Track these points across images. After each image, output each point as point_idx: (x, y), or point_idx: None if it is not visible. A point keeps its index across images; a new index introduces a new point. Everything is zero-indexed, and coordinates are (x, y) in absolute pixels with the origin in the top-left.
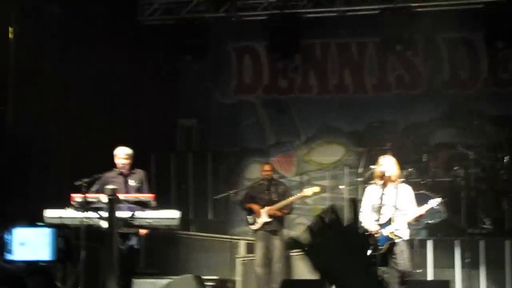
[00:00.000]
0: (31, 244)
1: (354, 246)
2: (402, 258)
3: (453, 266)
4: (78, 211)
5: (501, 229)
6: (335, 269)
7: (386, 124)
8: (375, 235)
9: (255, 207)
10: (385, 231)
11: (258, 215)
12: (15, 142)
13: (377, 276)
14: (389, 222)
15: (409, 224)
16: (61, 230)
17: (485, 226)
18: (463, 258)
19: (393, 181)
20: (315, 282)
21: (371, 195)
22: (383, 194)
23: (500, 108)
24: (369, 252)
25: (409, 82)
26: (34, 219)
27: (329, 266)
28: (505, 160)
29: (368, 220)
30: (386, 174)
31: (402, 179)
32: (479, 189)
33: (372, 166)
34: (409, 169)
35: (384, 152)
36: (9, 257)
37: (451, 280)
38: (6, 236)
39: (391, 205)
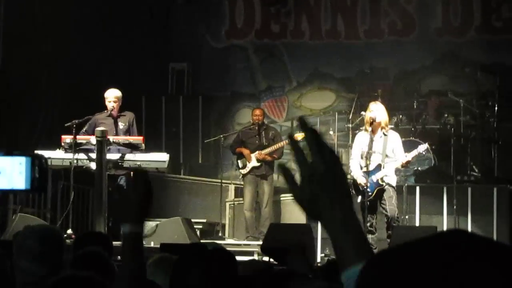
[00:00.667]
0: (6, 173)
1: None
2: (391, 203)
3: (441, 213)
4: (67, 152)
5: (489, 177)
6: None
7: (377, 70)
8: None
9: (245, 151)
10: (374, 177)
11: (248, 159)
12: (6, 83)
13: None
14: (378, 168)
15: (398, 170)
16: (37, 159)
17: (473, 174)
18: (450, 205)
19: (383, 127)
20: (302, 226)
21: (360, 141)
22: (372, 140)
23: (492, 56)
24: (358, 199)
25: (402, 29)
26: (10, 148)
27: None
28: (495, 109)
29: (357, 167)
30: (376, 121)
31: (391, 126)
32: (469, 136)
33: (362, 113)
34: (400, 116)
35: (374, 99)
36: None
37: (439, 226)
38: None
39: (380, 152)
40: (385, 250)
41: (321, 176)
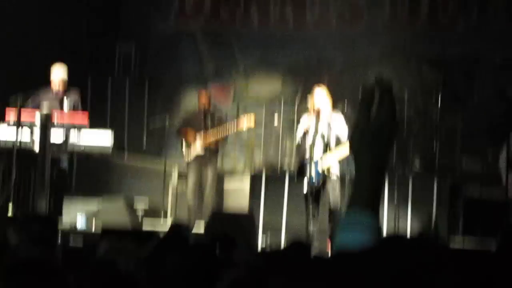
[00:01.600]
0: None
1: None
2: (334, 195)
3: (381, 204)
4: (10, 126)
5: (430, 170)
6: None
7: (324, 60)
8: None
9: (190, 133)
10: (319, 167)
11: (193, 142)
12: None
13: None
14: (323, 155)
15: (342, 161)
16: None
17: (415, 166)
18: (391, 196)
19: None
20: (242, 216)
21: (305, 124)
22: (316, 127)
23: (437, 50)
24: (305, 189)
25: (350, 20)
26: None
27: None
28: (438, 102)
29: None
30: (321, 109)
31: (337, 112)
32: (412, 129)
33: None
34: (345, 106)
35: (318, 84)
36: None
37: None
38: None
39: (325, 139)
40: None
41: (376, 129)
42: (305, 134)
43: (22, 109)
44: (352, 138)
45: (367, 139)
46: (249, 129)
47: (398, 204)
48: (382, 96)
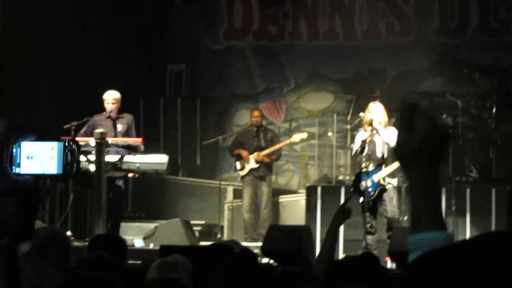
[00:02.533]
0: (38, 157)
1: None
2: (391, 204)
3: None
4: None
5: (487, 177)
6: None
7: (375, 71)
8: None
9: (243, 152)
10: (376, 177)
11: (246, 160)
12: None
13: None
14: (379, 168)
15: (397, 172)
16: (69, 144)
17: (472, 175)
18: (449, 206)
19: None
20: (301, 227)
21: (360, 141)
22: (372, 140)
23: (490, 57)
24: (361, 199)
25: (399, 30)
26: (42, 133)
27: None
28: (493, 110)
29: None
30: (375, 121)
31: (390, 126)
32: (467, 137)
33: (361, 114)
34: (398, 117)
35: (373, 100)
36: (17, 170)
37: None
38: (14, 149)
39: (380, 151)
40: (432, 252)
41: (416, 147)
42: (361, 148)
43: (77, 137)
44: (398, 161)
45: (409, 163)
46: (302, 143)
47: (457, 214)
48: (410, 119)
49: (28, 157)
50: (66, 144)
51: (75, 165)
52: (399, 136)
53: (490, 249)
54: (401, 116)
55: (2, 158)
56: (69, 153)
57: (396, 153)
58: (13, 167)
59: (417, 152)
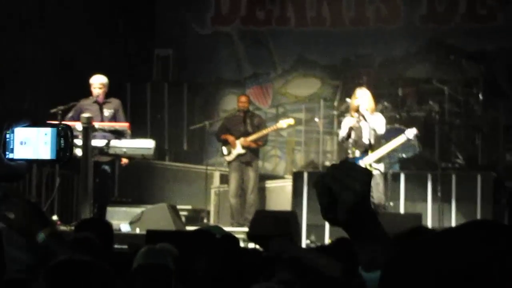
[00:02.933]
0: (32, 143)
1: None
2: (377, 190)
3: (425, 200)
4: None
5: (473, 164)
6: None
7: (362, 57)
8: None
9: (230, 138)
10: (362, 163)
11: (233, 146)
12: None
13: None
14: (365, 153)
15: (383, 158)
16: (63, 130)
17: (458, 161)
18: (435, 192)
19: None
20: (287, 213)
21: (347, 124)
22: (358, 126)
23: (476, 44)
24: None
25: (387, 16)
26: (35, 119)
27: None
28: (480, 96)
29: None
30: (361, 107)
31: (377, 112)
32: (453, 124)
33: (347, 99)
34: (384, 103)
35: (359, 85)
36: (10, 155)
37: (423, 213)
38: (7, 135)
39: (367, 137)
40: (417, 241)
41: (351, 204)
42: (348, 135)
43: (63, 121)
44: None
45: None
46: (289, 129)
47: (442, 200)
48: (330, 191)
49: (21, 143)
50: (60, 129)
51: (68, 150)
52: (321, 208)
53: (470, 240)
54: (320, 191)
55: None
56: (62, 138)
57: (324, 217)
58: (7, 153)
59: (346, 223)
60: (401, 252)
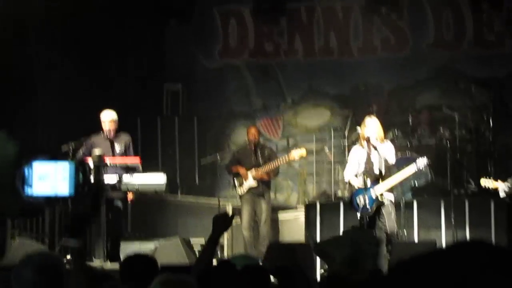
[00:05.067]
0: (51, 178)
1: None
2: (390, 219)
3: (439, 227)
4: None
5: (486, 190)
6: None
7: (371, 86)
8: (363, 198)
9: (241, 170)
10: (373, 193)
11: (244, 178)
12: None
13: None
14: (376, 183)
15: (395, 187)
16: (81, 165)
17: (470, 187)
18: (448, 218)
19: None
20: (301, 245)
21: (356, 155)
22: (368, 156)
23: (485, 70)
24: (358, 215)
25: (395, 45)
26: (54, 154)
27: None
28: (490, 122)
29: (352, 173)
30: (372, 138)
31: (386, 141)
32: (465, 150)
33: (357, 127)
34: (395, 131)
35: (369, 114)
36: (29, 191)
37: (437, 240)
38: (25, 170)
39: (377, 167)
40: (406, 261)
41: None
42: (357, 163)
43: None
44: None
45: None
46: (300, 160)
47: (456, 226)
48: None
49: (40, 178)
50: (78, 164)
51: (86, 186)
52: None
53: (457, 260)
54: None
55: (15, 179)
56: (81, 174)
57: None
58: (26, 188)
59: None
60: (395, 269)
